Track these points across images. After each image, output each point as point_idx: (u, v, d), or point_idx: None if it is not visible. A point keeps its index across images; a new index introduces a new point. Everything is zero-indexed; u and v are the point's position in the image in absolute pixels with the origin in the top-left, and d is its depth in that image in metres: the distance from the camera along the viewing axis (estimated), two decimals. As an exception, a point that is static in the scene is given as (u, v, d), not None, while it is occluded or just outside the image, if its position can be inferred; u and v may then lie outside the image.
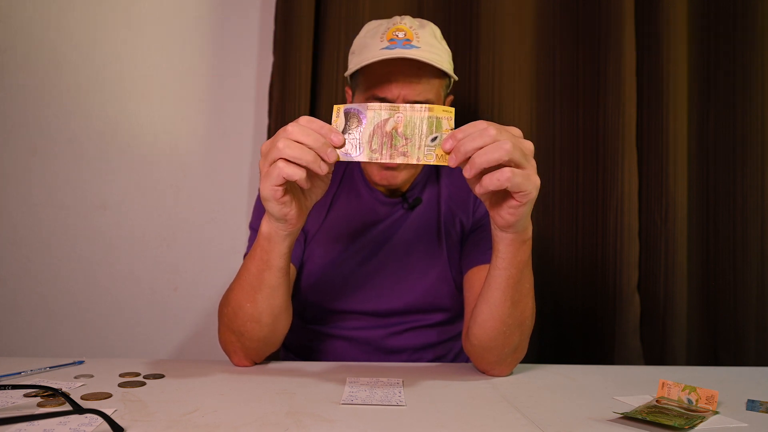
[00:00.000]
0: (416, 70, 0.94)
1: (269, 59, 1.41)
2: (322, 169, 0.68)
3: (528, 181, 0.68)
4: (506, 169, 0.66)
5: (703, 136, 1.43)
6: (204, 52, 1.48)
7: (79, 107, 1.44)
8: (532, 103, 1.41)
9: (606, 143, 1.36)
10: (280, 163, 0.68)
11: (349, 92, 1.07)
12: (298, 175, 0.68)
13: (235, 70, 1.48)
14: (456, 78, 1.01)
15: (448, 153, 0.68)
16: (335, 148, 0.69)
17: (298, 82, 1.33)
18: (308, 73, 1.34)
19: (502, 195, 0.71)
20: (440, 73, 0.98)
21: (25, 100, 1.42)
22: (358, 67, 0.95)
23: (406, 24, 0.97)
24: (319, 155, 0.68)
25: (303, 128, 0.69)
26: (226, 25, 1.48)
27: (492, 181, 0.66)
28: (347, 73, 1.00)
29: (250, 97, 1.49)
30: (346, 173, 1.10)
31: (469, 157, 0.67)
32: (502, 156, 0.65)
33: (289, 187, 0.73)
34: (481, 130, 0.67)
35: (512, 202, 0.70)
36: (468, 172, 0.67)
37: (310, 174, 0.70)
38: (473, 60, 1.38)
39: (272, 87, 1.37)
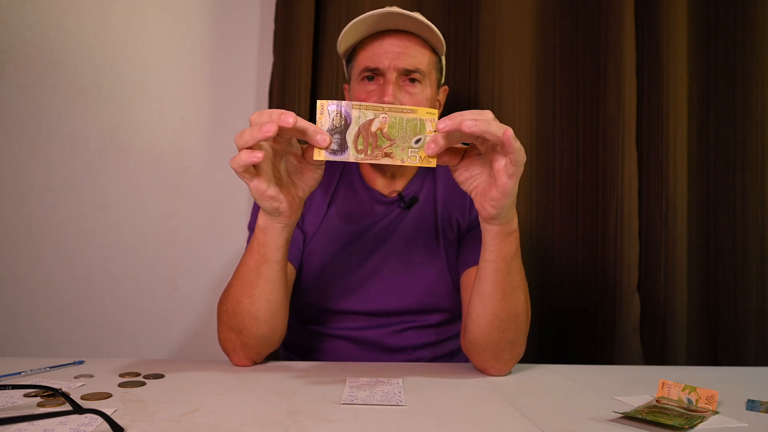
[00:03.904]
0: (405, 40, 0.99)
1: (269, 59, 1.41)
2: (269, 129, 0.66)
3: (494, 127, 0.68)
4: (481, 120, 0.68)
5: (703, 136, 1.43)
6: (204, 52, 1.48)
7: (80, 107, 1.44)
8: (532, 102, 1.41)
9: (606, 143, 1.36)
10: (242, 154, 0.68)
11: (347, 88, 1.08)
12: (255, 156, 0.68)
13: (235, 70, 1.48)
14: (443, 44, 1.03)
15: (431, 156, 0.70)
16: (322, 148, 0.69)
17: (298, 82, 1.33)
18: (308, 73, 1.34)
19: (487, 184, 0.73)
20: (430, 47, 1.03)
21: (25, 99, 1.42)
22: (349, 35, 1.00)
23: (395, 9, 1.02)
24: (266, 131, 0.67)
25: (255, 117, 0.70)
26: (226, 25, 1.48)
27: (467, 123, 0.67)
28: (340, 48, 1.04)
29: (250, 97, 1.49)
30: (344, 172, 1.11)
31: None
32: (488, 125, 0.67)
33: (278, 181, 0.74)
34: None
35: (493, 193, 0.72)
36: (446, 125, 0.67)
37: (288, 154, 0.74)
38: (473, 59, 1.38)
39: (272, 87, 1.37)
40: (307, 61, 1.34)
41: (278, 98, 1.34)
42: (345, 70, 1.10)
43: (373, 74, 1.01)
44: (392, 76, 0.98)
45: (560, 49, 1.42)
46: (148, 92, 1.46)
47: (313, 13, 1.35)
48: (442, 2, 1.41)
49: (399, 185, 1.09)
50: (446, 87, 1.12)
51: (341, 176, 1.10)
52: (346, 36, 1.02)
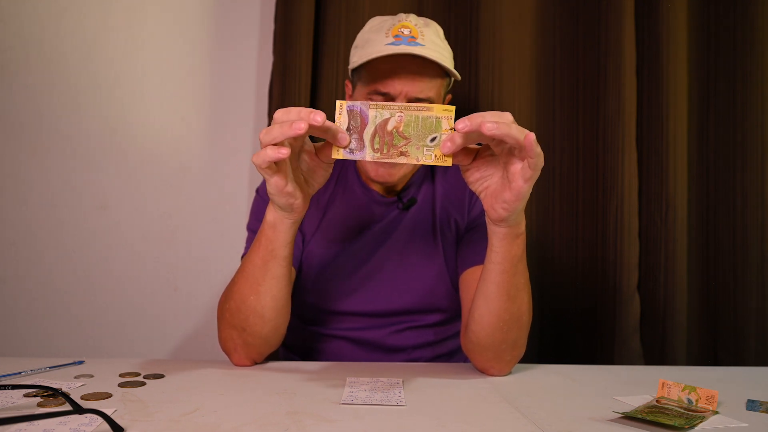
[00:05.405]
0: (420, 68, 0.95)
1: (269, 59, 1.41)
2: (300, 126, 0.66)
3: (515, 131, 0.66)
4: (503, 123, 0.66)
5: (703, 136, 1.43)
6: (204, 52, 1.48)
7: (79, 107, 1.44)
8: (532, 103, 1.41)
9: (606, 143, 1.36)
10: (267, 150, 0.68)
11: (349, 86, 1.07)
12: (280, 153, 0.67)
13: (235, 70, 1.48)
14: (459, 77, 1.01)
15: (447, 155, 0.69)
16: (342, 147, 0.70)
17: (298, 82, 1.33)
18: (308, 73, 1.34)
19: (499, 186, 0.72)
20: (442, 73, 0.99)
21: (25, 99, 1.42)
22: (363, 60, 0.96)
23: (411, 22, 0.98)
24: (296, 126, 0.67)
25: (281, 115, 0.69)
26: (226, 25, 1.48)
27: (487, 125, 0.65)
28: (351, 66, 1.01)
29: (250, 97, 1.49)
30: (341, 174, 1.10)
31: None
32: (509, 128, 0.66)
33: (293, 177, 0.74)
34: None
35: (507, 196, 0.71)
36: (465, 125, 0.66)
37: (304, 151, 0.74)
38: (473, 59, 1.38)
39: (272, 87, 1.37)
40: (307, 61, 1.34)
41: (278, 98, 1.34)
42: (349, 70, 1.08)
43: (384, 98, 0.97)
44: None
45: (560, 49, 1.42)
46: (148, 92, 1.46)
47: (313, 13, 1.35)
48: (442, 2, 1.41)
49: (397, 186, 1.09)
50: (450, 95, 1.10)
51: (339, 177, 1.10)
52: (358, 56, 0.98)
